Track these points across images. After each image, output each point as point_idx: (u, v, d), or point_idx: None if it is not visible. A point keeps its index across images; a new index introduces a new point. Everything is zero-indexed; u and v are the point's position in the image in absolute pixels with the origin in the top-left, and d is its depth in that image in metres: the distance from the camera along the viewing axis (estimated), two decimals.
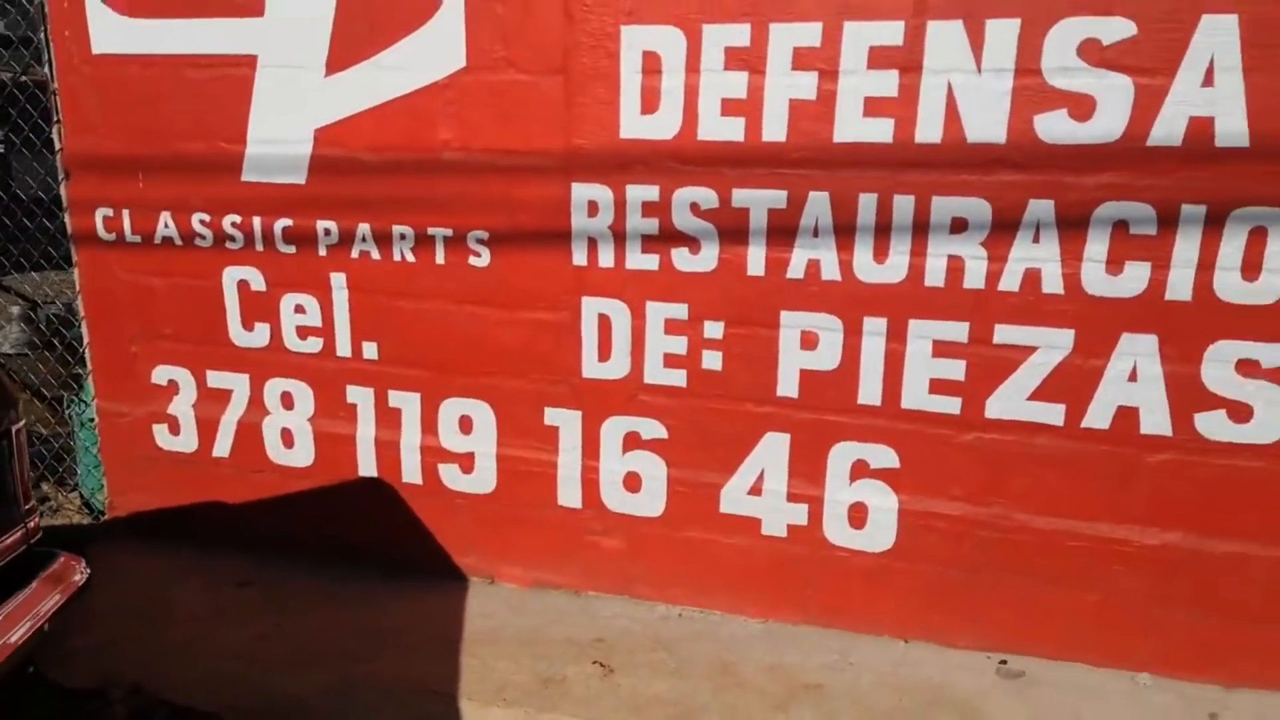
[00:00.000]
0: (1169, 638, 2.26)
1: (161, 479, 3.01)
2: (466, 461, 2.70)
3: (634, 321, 2.44)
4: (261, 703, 2.25)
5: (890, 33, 2.09)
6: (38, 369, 3.35)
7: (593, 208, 2.39)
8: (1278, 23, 1.89)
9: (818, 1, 2.12)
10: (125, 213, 2.81)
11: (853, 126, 2.16)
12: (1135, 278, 2.07)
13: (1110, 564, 2.24)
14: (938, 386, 2.25)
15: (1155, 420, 2.14)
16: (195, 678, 2.34)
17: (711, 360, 2.39)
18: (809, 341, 2.31)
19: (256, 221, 2.71)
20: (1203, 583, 2.20)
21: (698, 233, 2.32)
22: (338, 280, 2.69)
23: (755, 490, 2.45)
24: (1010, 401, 2.21)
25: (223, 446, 2.93)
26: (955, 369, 2.23)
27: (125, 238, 2.83)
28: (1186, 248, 2.03)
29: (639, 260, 2.39)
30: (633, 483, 2.55)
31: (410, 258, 2.59)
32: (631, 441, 2.52)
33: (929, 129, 2.12)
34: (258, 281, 2.77)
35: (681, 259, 2.35)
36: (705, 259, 2.33)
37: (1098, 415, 2.17)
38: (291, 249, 2.70)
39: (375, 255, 2.63)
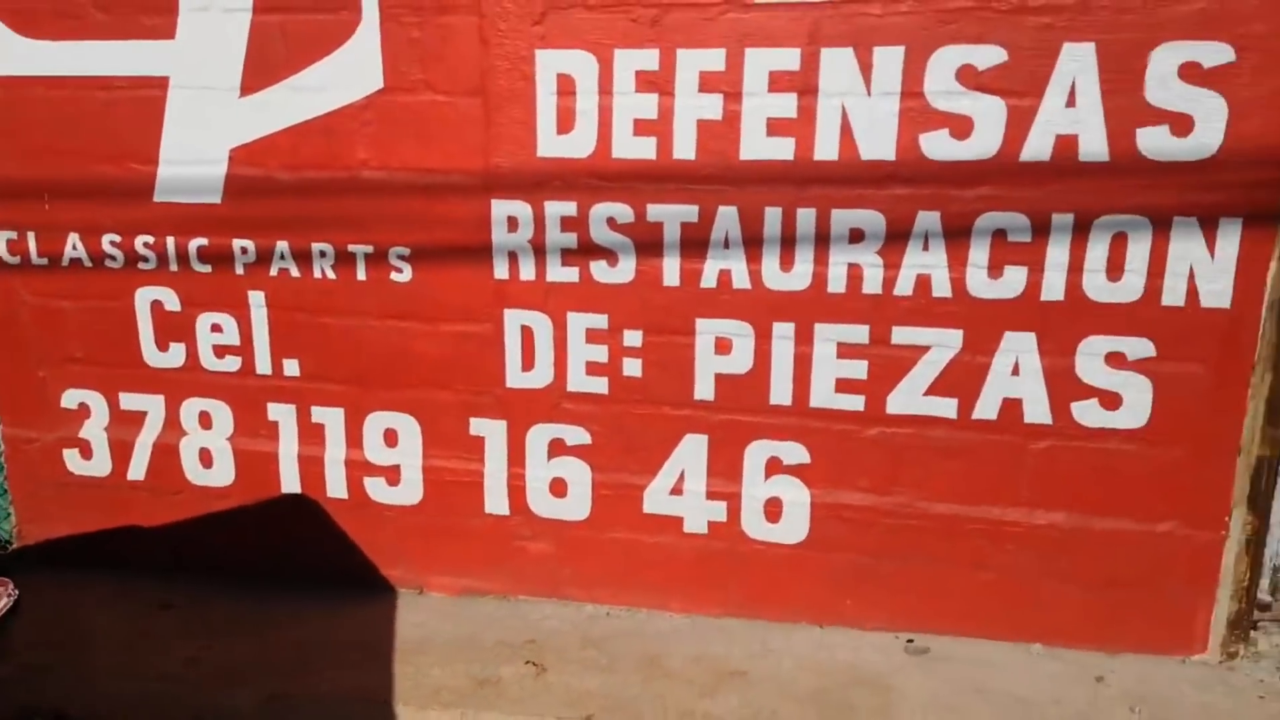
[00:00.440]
0: (1057, 610, 2.46)
1: (74, 505, 2.95)
2: (392, 474, 2.74)
3: (556, 332, 2.53)
4: None
5: (788, 58, 2.25)
6: None
7: (513, 223, 2.48)
8: (1129, 50, 2.11)
9: (721, 29, 2.26)
10: (30, 235, 2.76)
11: (757, 145, 2.30)
12: (1014, 281, 2.27)
13: (1003, 544, 2.43)
14: (843, 386, 2.41)
15: (1037, 410, 2.34)
16: (122, 702, 2.32)
17: (632, 367, 2.50)
18: (723, 347, 2.45)
19: (170, 242, 2.70)
20: (1084, 558, 2.41)
21: (615, 246, 2.43)
22: (256, 299, 2.70)
23: (676, 490, 2.56)
24: (908, 397, 2.39)
25: (138, 469, 2.89)
26: (858, 369, 2.39)
27: (31, 260, 2.77)
28: (1058, 252, 2.24)
29: (559, 273, 2.48)
30: (559, 488, 2.64)
31: (331, 275, 2.63)
32: (556, 448, 2.61)
33: (826, 147, 2.28)
34: (172, 302, 2.75)
35: (600, 271, 2.46)
36: (623, 271, 2.45)
37: (986, 407, 2.36)
38: (207, 268, 2.70)
39: (295, 273, 2.65)
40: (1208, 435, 2.28)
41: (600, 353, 2.52)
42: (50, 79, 2.63)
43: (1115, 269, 2.23)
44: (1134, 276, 2.22)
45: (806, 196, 2.31)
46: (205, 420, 2.82)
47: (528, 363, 2.57)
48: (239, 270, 2.68)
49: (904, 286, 2.32)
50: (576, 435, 2.59)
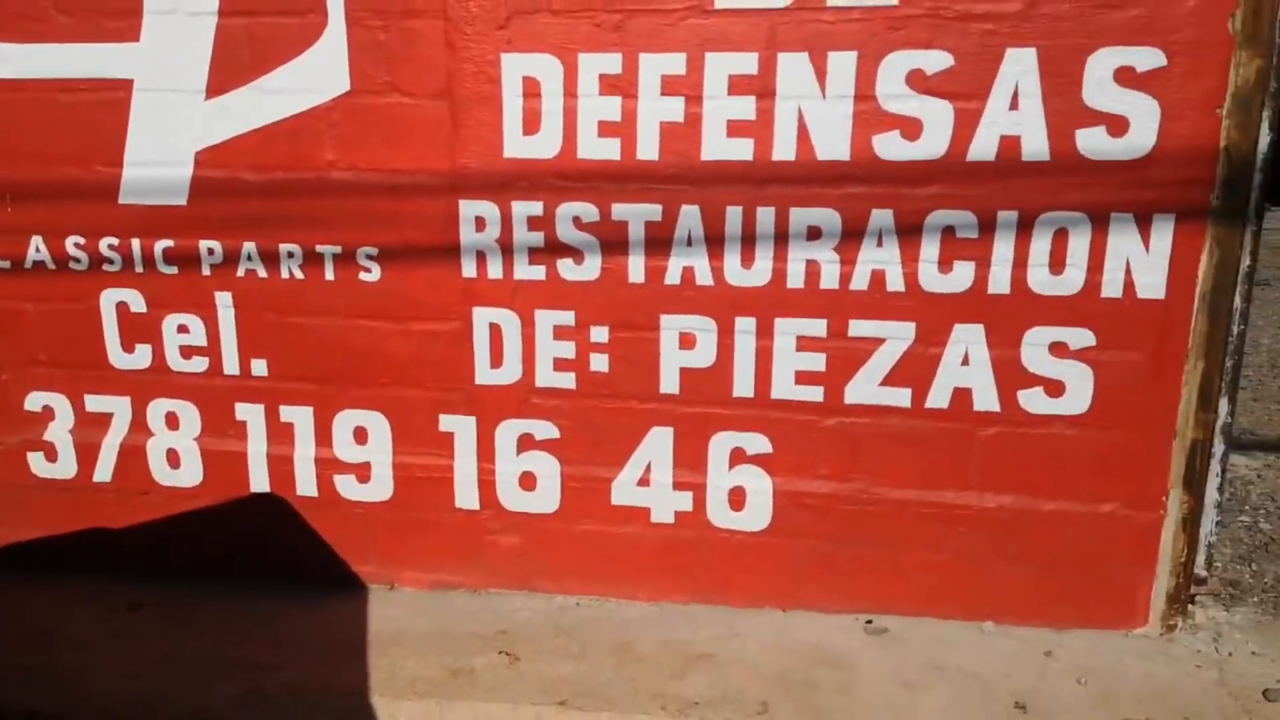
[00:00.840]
0: (1007, 590, 2.57)
1: (39, 508, 2.94)
2: (363, 471, 2.77)
3: (524, 329, 2.59)
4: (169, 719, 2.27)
5: (746, 62, 2.33)
6: None
7: (480, 223, 2.53)
8: (1068, 55, 2.22)
9: (681, 34, 2.33)
10: None
11: (717, 146, 2.38)
12: (963, 275, 2.38)
13: (955, 527, 2.54)
14: (802, 378, 2.50)
15: (986, 398, 2.44)
16: (95, 701, 2.33)
17: (599, 363, 2.57)
18: (687, 342, 2.52)
19: (135, 243, 2.70)
20: (1032, 539, 2.52)
21: (581, 244, 2.50)
22: (223, 299, 2.72)
23: (644, 481, 2.64)
24: (865, 388, 2.48)
25: (104, 471, 2.89)
26: (817, 361, 2.48)
27: None
28: (1004, 248, 2.34)
29: (526, 271, 2.54)
30: (528, 482, 2.70)
31: (299, 275, 2.66)
32: (526, 443, 2.67)
33: (784, 148, 2.36)
34: (138, 303, 2.76)
35: (567, 269, 2.52)
36: (589, 268, 2.51)
37: (938, 396, 2.46)
38: (173, 270, 2.71)
39: (262, 273, 2.67)
40: (1146, 420, 2.41)
41: (568, 349, 2.58)
42: (10, 81, 2.62)
43: (1057, 263, 2.34)
44: (1075, 270, 2.34)
45: (766, 195, 2.40)
46: (172, 421, 2.83)
47: (496, 360, 2.62)
48: (206, 271, 2.70)
49: (860, 282, 2.41)
50: (545, 430, 2.65)
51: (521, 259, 2.54)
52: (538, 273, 2.54)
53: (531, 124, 2.45)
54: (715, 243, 2.45)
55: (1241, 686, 2.31)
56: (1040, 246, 2.33)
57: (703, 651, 2.46)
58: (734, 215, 2.42)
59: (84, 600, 2.77)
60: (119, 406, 2.84)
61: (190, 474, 2.86)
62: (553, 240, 2.51)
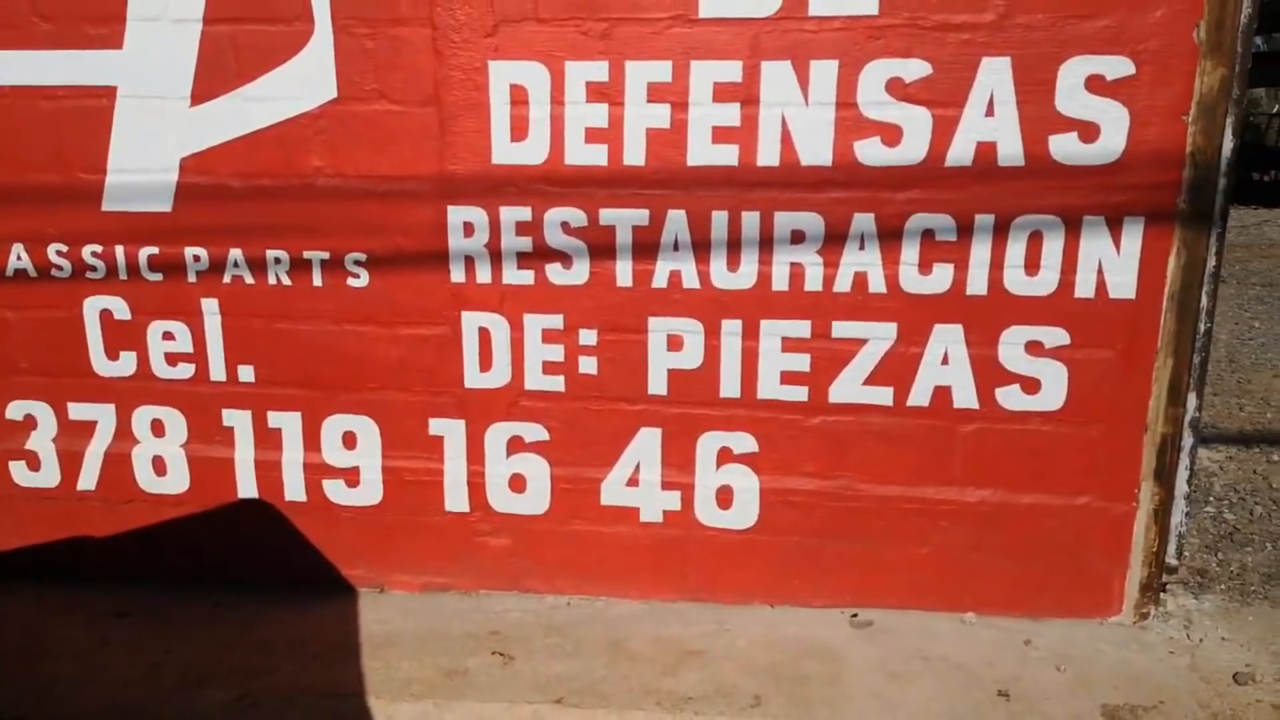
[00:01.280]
0: (987, 581, 2.65)
1: (22, 517, 2.91)
2: (352, 476, 2.79)
3: (513, 333, 2.62)
4: None
5: (731, 70, 2.38)
6: None
7: (468, 228, 2.56)
8: (1041, 64, 2.30)
9: (667, 43, 2.38)
10: None
11: (703, 152, 2.43)
12: (942, 277, 2.45)
13: (937, 521, 2.61)
14: (787, 378, 2.56)
15: (965, 396, 2.52)
16: (88, 707, 2.32)
17: (587, 365, 2.61)
18: (675, 344, 2.57)
19: (119, 251, 2.70)
20: (1011, 532, 2.60)
21: (569, 249, 2.54)
22: (209, 306, 2.72)
23: (633, 481, 2.68)
24: (849, 387, 2.54)
25: (88, 479, 2.88)
26: (801, 361, 2.54)
27: None
28: (981, 250, 2.41)
29: (515, 276, 2.57)
30: (518, 484, 2.73)
31: (286, 281, 2.66)
32: (515, 445, 2.70)
33: (768, 154, 2.42)
34: (122, 311, 2.75)
35: (555, 273, 2.56)
36: (577, 273, 2.55)
37: (919, 394, 2.53)
38: (158, 277, 2.71)
39: (249, 280, 2.68)
40: (1118, 415, 2.49)
41: (556, 352, 2.61)
42: None
43: (1032, 265, 2.42)
44: (1049, 272, 2.42)
45: (750, 200, 2.45)
46: (158, 428, 2.83)
47: (485, 363, 2.65)
48: (191, 278, 2.70)
49: (843, 284, 2.48)
50: (535, 432, 2.68)
51: (510, 264, 2.57)
52: (526, 277, 2.57)
53: (519, 130, 2.48)
54: (701, 247, 2.50)
55: (1212, 671, 2.40)
56: (1016, 249, 2.41)
57: (694, 648, 2.51)
58: (720, 220, 2.47)
59: (70, 609, 2.76)
60: (103, 414, 2.83)
61: (177, 481, 2.85)
62: (541, 245, 2.54)
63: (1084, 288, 2.41)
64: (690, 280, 2.52)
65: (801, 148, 2.40)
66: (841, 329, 2.51)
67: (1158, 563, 2.58)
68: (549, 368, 2.63)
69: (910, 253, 2.44)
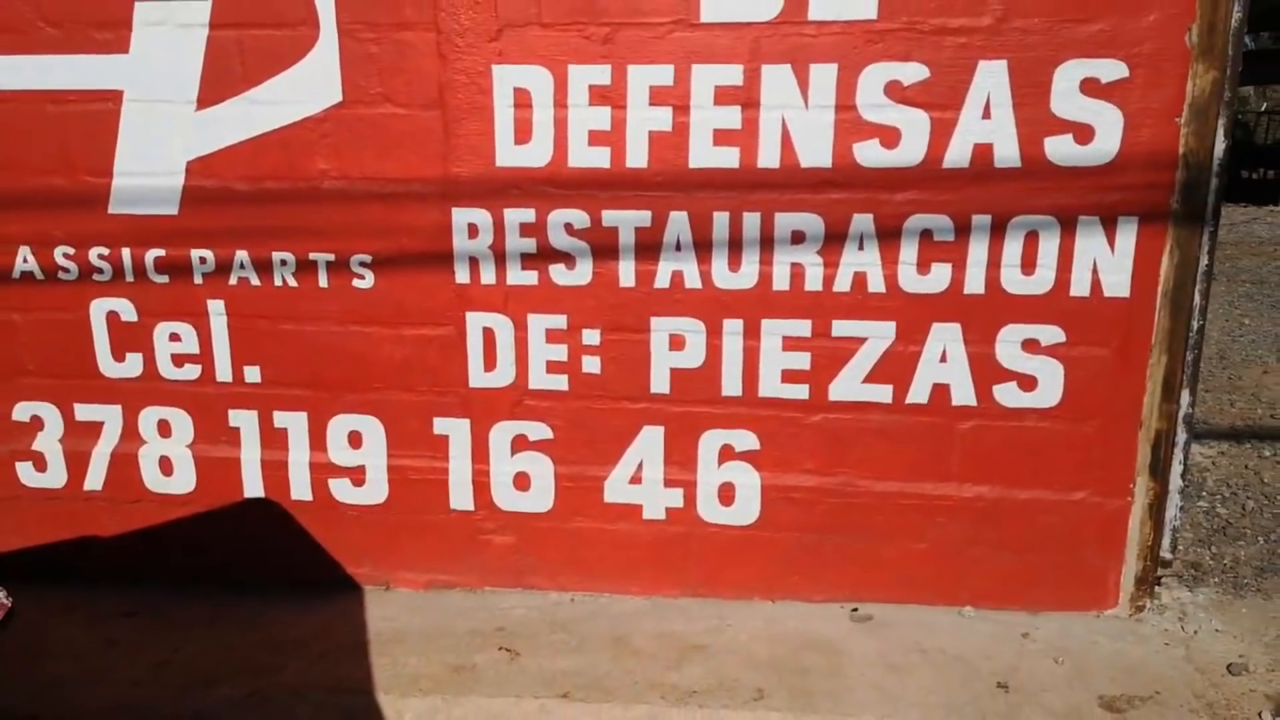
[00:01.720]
0: (985, 575, 2.69)
1: (28, 518, 2.94)
2: (357, 475, 2.81)
3: (516, 333, 2.65)
4: None
5: (731, 74, 2.42)
6: None
7: (473, 230, 2.59)
8: (1037, 67, 2.34)
9: (669, 47, 2.42)
10: None
11: (704, 154, 2.47)
12: (940, 276, 2.48)
13: (935, 517, 2.65)
14: (788, 376, 2.59)
15: (963, 393, 2.56)
16: (97, 706, 2.35)
17: (591, 364, 2.64)
18: (677, 343, 2.61)
19: (126, 253, 2.72)
20: (1008, 527, 2.64)
21: (572, 250, 2.57)
22: (215, 307, 2.74)
23: (635, 479, 2.71)
24: (848, 385, 2.58)
25: (95, 480, 2.90)
26: (802, 360, 2.58)
27: None
28: (978, 250, 2.45)
29: (519, 276, 2.61)
30: (522, 482, 2.76)
31: (292, 282, 2.69)
32: (519, 444, 2.73)
33: (769, 156, 2.45)
34: (129, 312, 2.77)
35: (559, 274, 2.59)
36: (581, 273, 2.58)
37: (918, 392, 2.57)
38: (165, 279, 2.73)
39: (255, 281, 2.71)
40: (1113, 411, 2.53)
41: (560, 351, 2.65)
42: None
43: (1029, 264, 2.46)
44: (1045, 271, 2.46)
45: (751, 201, 2.49)
46: (164, 429, 2.85)
47: (490, 363, 2.68)
48: (198, 280, 2.72)
49: (842, 283, 2.51)
50: (539, 431, 2.72)
51: (514, 265, 2.60)
52: (530, 278, 2.61)
53: (523, 133, 2.51)
54: (703, 247, 2.53)
55: (1207, 662, 2.45)
56: (1013, 248, 2.45)
57: (697, 643, 2.54)
58: (721, 221, 2.51)
59: (77, 608, 2.78)
60: (110, 415, 2.85)
61: (183, 481, 2.88)
62: (545, 246, 2.58)
63: (1079, 286, 2.45)
64: (692, 280, 2.55)
65: (801, 150, 2.44)
66: (841, 328, 2.55)
67: (1153, 556, 2.63)
68: (552, 367, 2.66)
69: (909, 252, 2.48)
